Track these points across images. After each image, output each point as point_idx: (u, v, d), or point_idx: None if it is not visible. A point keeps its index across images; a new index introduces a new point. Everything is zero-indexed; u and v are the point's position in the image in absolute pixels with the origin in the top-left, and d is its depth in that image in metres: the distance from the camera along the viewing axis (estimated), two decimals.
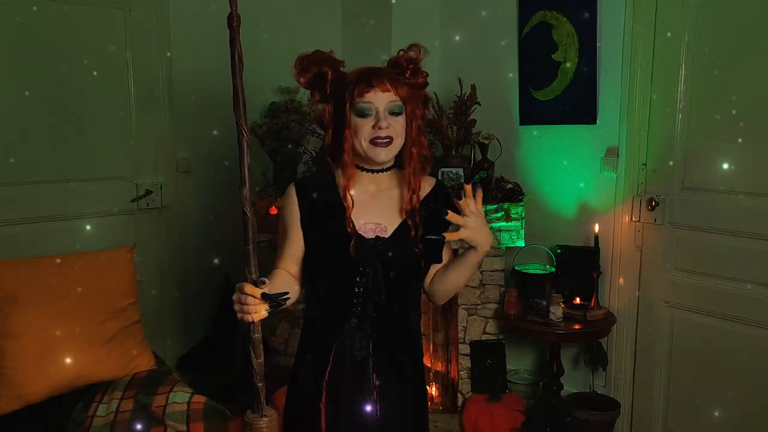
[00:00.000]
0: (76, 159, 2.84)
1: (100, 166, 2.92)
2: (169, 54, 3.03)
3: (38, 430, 2.18)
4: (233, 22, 1.25)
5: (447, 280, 1.54)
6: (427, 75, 1.52)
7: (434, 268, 1.57)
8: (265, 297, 1.26)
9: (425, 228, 1.48)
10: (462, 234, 1.37)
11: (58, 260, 2.37)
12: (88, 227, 2.87)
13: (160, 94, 3.04)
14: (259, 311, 1.26)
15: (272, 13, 3.30)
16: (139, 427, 2.08)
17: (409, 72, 1.48)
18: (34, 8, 2.67)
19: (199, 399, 2.19)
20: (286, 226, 1.51)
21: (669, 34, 2.63)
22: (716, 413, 2.59)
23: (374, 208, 1.49)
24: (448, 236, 1.38)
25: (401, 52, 1.49)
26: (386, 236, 1.47)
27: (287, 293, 1.32)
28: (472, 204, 1.38)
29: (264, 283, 1.26)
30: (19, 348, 2.18)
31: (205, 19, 3.06)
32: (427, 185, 1.54)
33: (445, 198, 1.56)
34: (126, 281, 2.46)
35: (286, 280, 1.49)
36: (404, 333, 1.53)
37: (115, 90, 2.92)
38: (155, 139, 3.06)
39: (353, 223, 1.46)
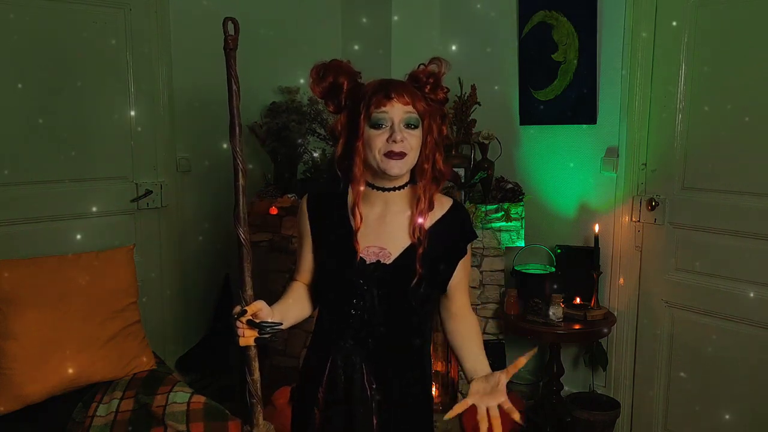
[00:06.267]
0: (76, 159, 2.83)
1: (100, 166, 2.91)
2: (169, 53, 3.03)
3: (38, 430, 2.18)
4: (228, 44, 1.23)
5: (453, 347, 1.53)
6: (448, 90, 1.45)
7: (448, 306, 1.52)
8: (251, 324, 1.28)
9: (433, 253, 1.41)
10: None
11: (58, 260, 2.38)
12: (88, 227, 2.87)
13: (160, 94, 3.03)
14: (245, 336, 1.29)
15: (272, 12, 3.30)
16: (139, 426, 2.09)
17: (428, 87, 1.40)
18: (34, 8, 2.67)
19: (199, 399, 2.19)
20: (300, 239, 1.52)
21: (669, 34, 2.64)
22: (716, 413, 2.59)
23: (380, 231, 1.42)
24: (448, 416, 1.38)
25: (421, 66, 1.42)
26: (388, 262, 1.41)
27: (279, 324, 1.32)
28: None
29: (244, 313, 1.28)
30: (19, 348, 2.18)
31: (205, 18, 3.05)
32: (442, 207, 1.45)
33: (461, 221, 1.48)
34: (126, 281, 2.46)
35: (299, 294, 1.51)
36: (405, 359, 1.48)
37: (115, 90, 2.92)
38: (155, 139, 3.05)
39: (358, 243, 1.41)
